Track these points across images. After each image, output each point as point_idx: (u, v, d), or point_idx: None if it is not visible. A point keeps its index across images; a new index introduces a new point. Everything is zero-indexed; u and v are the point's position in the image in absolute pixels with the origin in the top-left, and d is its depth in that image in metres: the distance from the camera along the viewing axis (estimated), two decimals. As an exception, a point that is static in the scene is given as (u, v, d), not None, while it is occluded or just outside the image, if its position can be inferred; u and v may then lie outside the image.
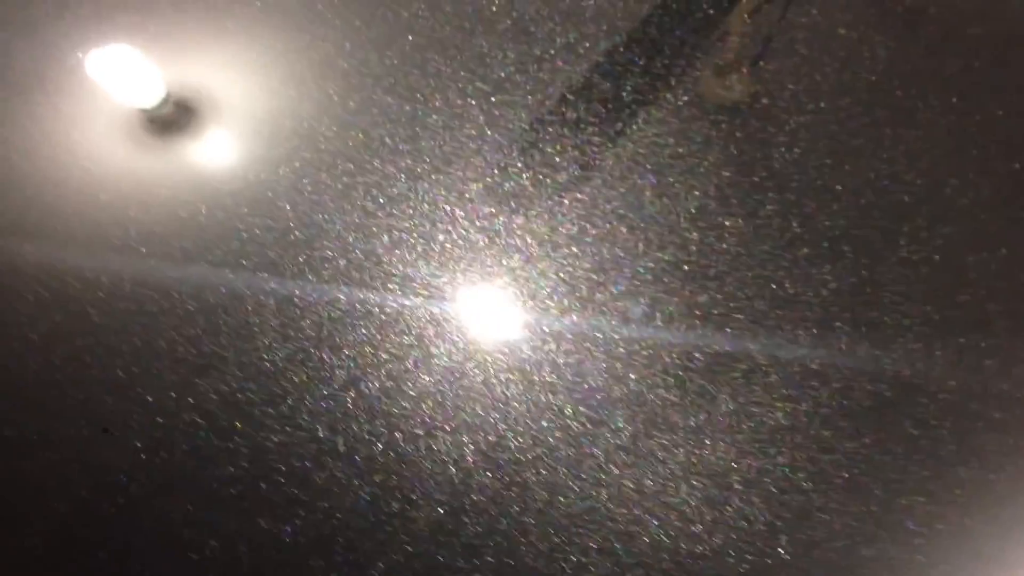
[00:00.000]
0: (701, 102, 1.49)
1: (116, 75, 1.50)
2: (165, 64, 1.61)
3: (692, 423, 1.24)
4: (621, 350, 1.30)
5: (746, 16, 1.58)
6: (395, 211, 1.44)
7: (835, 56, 1.51)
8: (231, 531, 1.24)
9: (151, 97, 1.56)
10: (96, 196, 1.50)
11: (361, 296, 1.38)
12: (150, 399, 1.32)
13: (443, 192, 1.45)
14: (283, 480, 1.26)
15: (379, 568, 1.20)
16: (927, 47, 1.52)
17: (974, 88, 1.47)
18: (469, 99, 1.53)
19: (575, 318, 1.33)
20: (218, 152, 1.55)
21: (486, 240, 1.41)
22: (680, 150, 1.44)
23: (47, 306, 1.40)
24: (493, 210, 1.43)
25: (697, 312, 1.32)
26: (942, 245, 1.34)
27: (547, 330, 1.33)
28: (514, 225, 1.42)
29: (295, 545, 1.22)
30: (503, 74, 1.54)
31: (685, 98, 1.49)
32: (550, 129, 1.49)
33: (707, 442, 1.23)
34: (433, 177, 1.47)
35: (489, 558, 1.19)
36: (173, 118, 1.59)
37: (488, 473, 1.24)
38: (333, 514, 1.23)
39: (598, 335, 1.32)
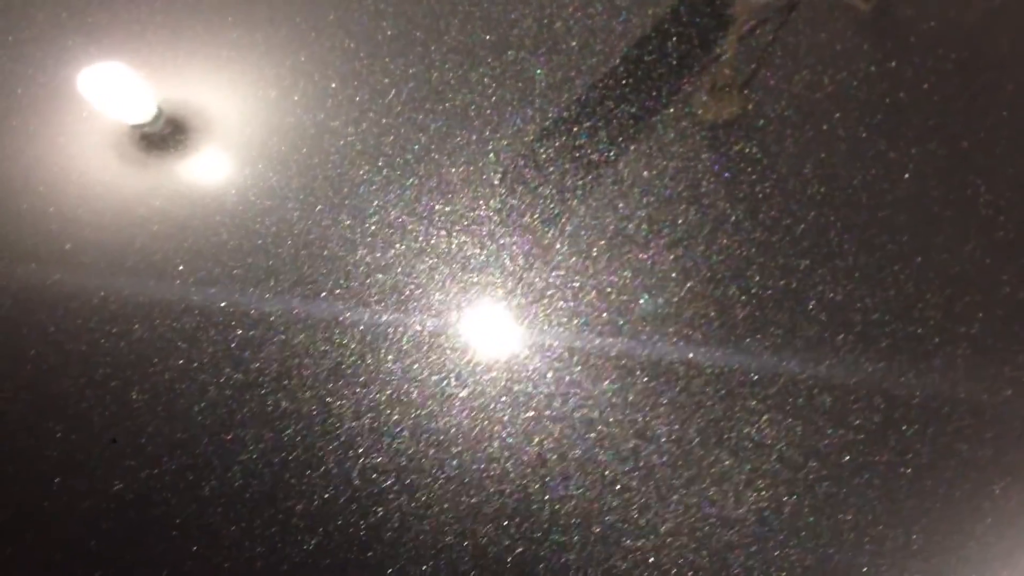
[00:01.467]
0: (736, 118, 1.50)
1: (110, 93, 1.49)
2: (162, 81, 1.62)
3: (734, 439, 1.25)
4: (662, 368, 1.31)
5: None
6: (432, 230, 1.44)
7: (866, 74, 1.53)
8: (273, 551, 1.23)
9: (147, 114, 1.55)
10: (134, 217, 1.50)
11: (398, 316, 1.38)
12: (190, 417, 1.31)
13: (480, 212, 1.46)
14: (322, 501, 1.25)
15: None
16: (950, 64, 1.54)
17: (1002, 105, 1.49)
18: (501, 116, 1.54)
19: (614, 337, 1.34)
20: (239, 172, 1.54)
21: (523, 259, 1.41)
22: (716, 167, 1.46)
23: (82, 326, 1.39)
24: (529, 228, 1.44)
25: (736, 329, 1.33)
26: (978, 260, 1.35)
27: (585, 349, 1.33)
28: (550, 243, 1.42)
29: (341, 571, 1.22)
30: (536, 89, 1.55)
31: (709, 116, 1.51)
32: (586, 147, 1.50)
33: (753, 458, 1.23)
34: (468, 198, 1.47)
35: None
36: (183, 138, 1.58)
37: (533, 494, 1.24)
38: (379, 536, 1.23)
39: (638, 354, 1.32)
